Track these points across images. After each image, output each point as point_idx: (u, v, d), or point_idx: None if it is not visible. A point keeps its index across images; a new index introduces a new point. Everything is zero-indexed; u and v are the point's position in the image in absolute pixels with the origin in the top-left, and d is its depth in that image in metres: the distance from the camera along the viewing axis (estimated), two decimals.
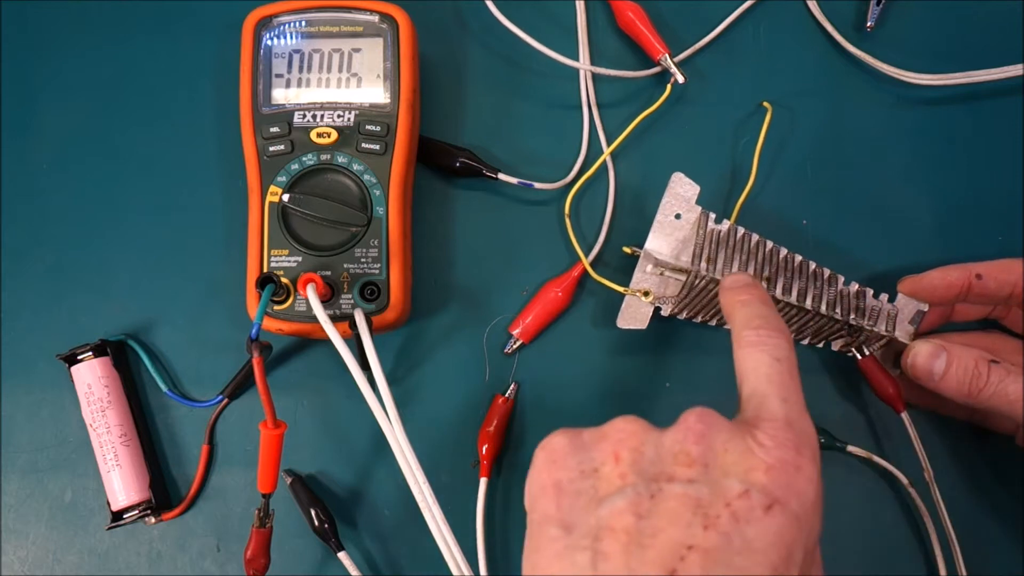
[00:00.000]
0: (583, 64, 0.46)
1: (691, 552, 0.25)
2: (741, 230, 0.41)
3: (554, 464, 0.29)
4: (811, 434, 0.29)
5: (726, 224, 0.41)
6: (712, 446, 0.28)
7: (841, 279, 0.42)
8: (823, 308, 0.40)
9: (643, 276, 0.41)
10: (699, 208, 0.41)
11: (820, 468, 0.28)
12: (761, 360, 0.31)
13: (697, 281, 0.40)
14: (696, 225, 0.41)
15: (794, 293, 0.40)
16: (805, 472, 0.27)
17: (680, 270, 0.40)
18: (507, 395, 0.44)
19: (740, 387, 0.31)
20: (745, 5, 0.47)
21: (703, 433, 0.28)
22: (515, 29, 0.45)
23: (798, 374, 0.31)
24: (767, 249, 0.41)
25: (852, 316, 0.41)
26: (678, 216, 0.41)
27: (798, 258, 0.41)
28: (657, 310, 0.41)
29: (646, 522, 0.26)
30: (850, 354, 0.43)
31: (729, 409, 0.31)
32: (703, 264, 0.40)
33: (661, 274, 0.41)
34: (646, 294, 0.41)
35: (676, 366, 0.45)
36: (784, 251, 0.41)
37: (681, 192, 0.41)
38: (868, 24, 0.47)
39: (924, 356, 0.39)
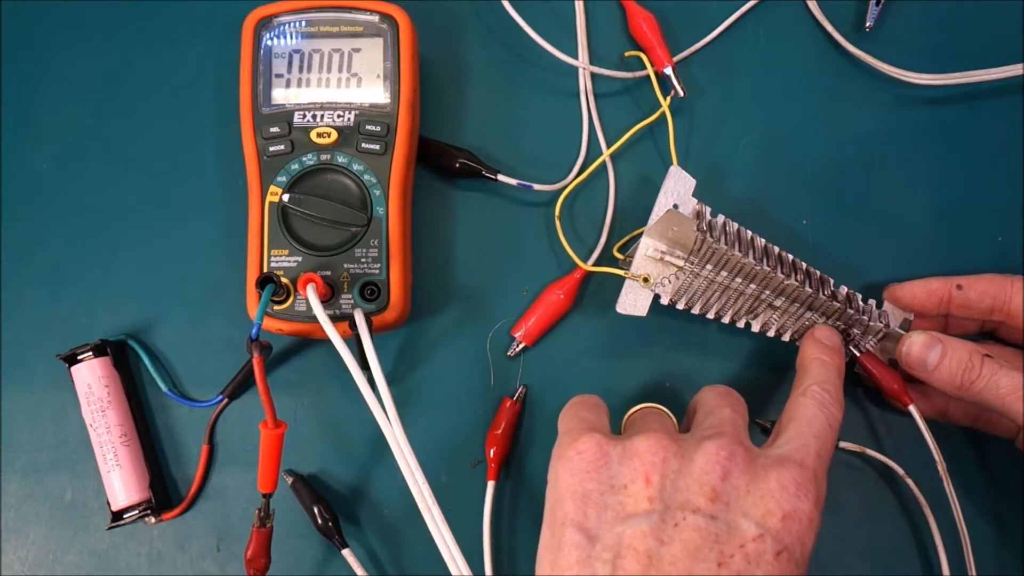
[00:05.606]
0: (582, 63, 0.46)
1: None
2: (736, 224, 0.41)
3: (586, 473, 0.31)
4: (825, 493, 0.32)
5: (721, 218, 0.41)
6: (736, 485, 0.30)
7: (831, 282, 0.42)
8: (823, 294, 0.41)
9: (643, 261, 0.41)
10: (695, 200, 0.41)
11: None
12: (818, 418, 0.34)
13: (701, 252, 0.40)
14: (693, 216, 0.41)
15: (795, 279, 0.40)
16: (814, 524, 0.30)
17: (679, 253, 0.40)
18: (515, 398, 0.44)
19: (784, 425, 0.34)
20: (746, 6, 0.47)
21: (729, 470, 0.30)
22: (519, 19, 0.45)
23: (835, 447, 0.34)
24: (762, 244, 0.41)
25: (850, 309, 0.41)
26: (676, 207, 0.41)
27: (791, 256, 0.41)
28: (656, 298, 0.41)
29: (666, 548, 0.29)
30: (845, 358, 0.43)
31: None
32: (702, 247, 0.40)
33: (661, 259, 0.40)
34: (646, 280, 0.41)
35: (676, 366, 0.45)
36: (777, 249, 0.41)
37: (678, 185, 0.41)
38: (867, 24, 0.47)
39: (919, 346, 0.39)
